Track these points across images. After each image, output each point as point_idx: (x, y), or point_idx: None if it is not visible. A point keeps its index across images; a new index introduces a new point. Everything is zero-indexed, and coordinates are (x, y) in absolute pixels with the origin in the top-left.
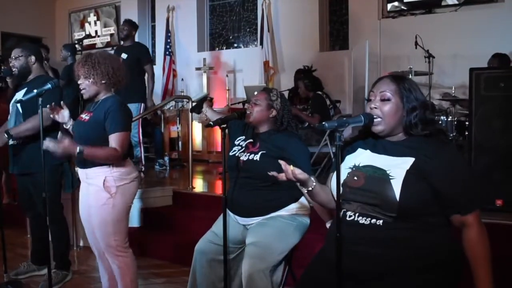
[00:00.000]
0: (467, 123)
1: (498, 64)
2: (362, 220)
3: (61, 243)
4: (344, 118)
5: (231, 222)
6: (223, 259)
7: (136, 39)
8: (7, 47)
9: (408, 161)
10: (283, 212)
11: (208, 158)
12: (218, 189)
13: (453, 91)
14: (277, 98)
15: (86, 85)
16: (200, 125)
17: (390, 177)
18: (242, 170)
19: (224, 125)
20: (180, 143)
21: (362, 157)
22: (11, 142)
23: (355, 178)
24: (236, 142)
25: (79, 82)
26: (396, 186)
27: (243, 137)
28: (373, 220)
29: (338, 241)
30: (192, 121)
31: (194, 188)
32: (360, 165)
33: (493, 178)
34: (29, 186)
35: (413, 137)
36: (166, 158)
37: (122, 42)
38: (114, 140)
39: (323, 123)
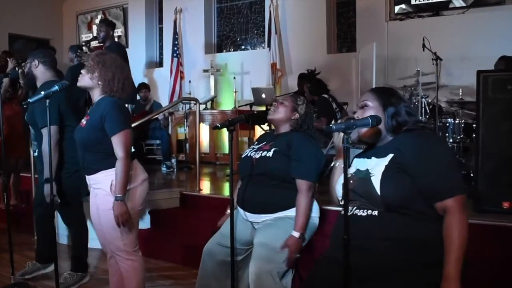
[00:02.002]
0: (474, 125)
1: (505, 66)
2: (360, 213)
3: (79, 246)
4: (352, 121)
5: (240, 222)
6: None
7: (144, 41)
8: (15, 48)
9: (388, 158)
10: (291, 212)
11: (215, 160)
12: (226, 191)
13: (460, 94)
14: (302, 104)
15: (84, 77)
16: (207, 127)
17: (371, 175)
18: (255, 168)
19: (232, 127)
20: (187, 145)
21: (358, 163)
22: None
23: (351, 181)
24: (252, 146)
25: (82, 71)
26: (376, 182)
27: (262, 142)
28: (369, 211)
29: (345, 243)
30: (199, 123)
31: (202, 190)
32: (356, 169)
33: (500, 181)
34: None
35: (397, 136)
36: (173, 160)
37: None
38: (115, 142)
39: (331, 125)
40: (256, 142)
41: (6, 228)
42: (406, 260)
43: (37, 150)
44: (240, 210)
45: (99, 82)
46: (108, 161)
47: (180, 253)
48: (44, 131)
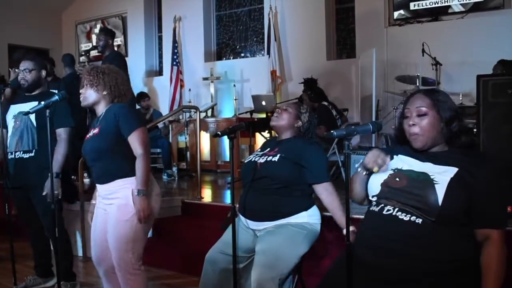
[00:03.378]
0: (475, 130)
1: (502, 70)
2: (401, 216)
3: (67, 255)
4: (352, 127)
5: (242, 230)
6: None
7: (143, 50)
8: (14, 59)
9: (452, 170)
10: (293, 219)
11: (216, 168)
12: (227, 199)
13: (460, 98)
14: (306, 112)
15: (88, 94)
16: (208, 135)
17: (435, 182)
18: (259, 172)
19: (232, 135)
20: (188, 153)
21: (404, 161)
22: (19, 155)
23: (397, 179)
24: (255, 153)
25: (81, 90)
26: (440, 192)
27: (266, 148)
28: (413, 218)
29: (348, 248)
30: (200, 131)
31: (203, 198)
32: (403, 168)
33: (501, 185)
34: (30, 199)
35: (454, 148)
36: (175, 169)
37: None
38: (134, 140)
39: (332, 131)
40: (259, 149)
41: (7, 237)
42: (440, 271)
43: (34, 150)
44: (242, 217)
45: (105, 92)
46: (126, 168)
47: (181, 261)
48: (60, 131)
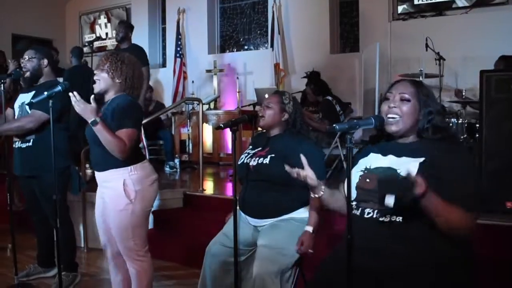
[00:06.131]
0: (477, 125)
1: (504, 66)
2: (381, 218)
3: (68, 245)
4: (355, 121)
5: (242, 224)
6: (233, 261)
7: (147, 41)
8: (18, 49)
9: (419, 161)
10: (294, 215)
11: (218, 160)
12: (229, 191)
13: (463, 93)
14: (289, 101)
15: (101, 78)
16: (210, 127)
17: (401, 176)
18: (253, 174)
19: (235, 128)
20: (190, 145)
21: (373, 160)
22: (18, 144)
23: (367, 180)
24: (246, 151)
25: (95, 72)
26: None
27: (257, 147)
28: (393, 217)
29: (348, 242)
30: (202, 123)
31: (205, 190)
32: (371, 167)
33: (504, 181)
34: (35, 189)
35: (424, 139)
36: (177, 161)
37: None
38: (122, 135)
39: (334, 125)
40: (250, 146)
41: (9, 228)
42: (429, 261)
43: (31, 140)
44: (242, 214)
45: (118, 81)
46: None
47: (183, 253)
48: (34, 112)
